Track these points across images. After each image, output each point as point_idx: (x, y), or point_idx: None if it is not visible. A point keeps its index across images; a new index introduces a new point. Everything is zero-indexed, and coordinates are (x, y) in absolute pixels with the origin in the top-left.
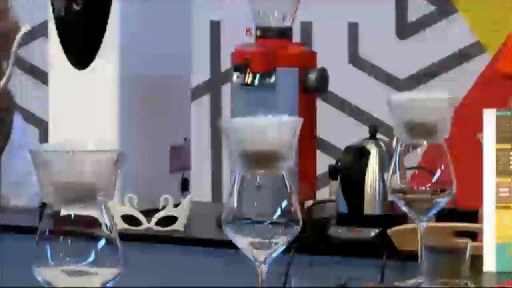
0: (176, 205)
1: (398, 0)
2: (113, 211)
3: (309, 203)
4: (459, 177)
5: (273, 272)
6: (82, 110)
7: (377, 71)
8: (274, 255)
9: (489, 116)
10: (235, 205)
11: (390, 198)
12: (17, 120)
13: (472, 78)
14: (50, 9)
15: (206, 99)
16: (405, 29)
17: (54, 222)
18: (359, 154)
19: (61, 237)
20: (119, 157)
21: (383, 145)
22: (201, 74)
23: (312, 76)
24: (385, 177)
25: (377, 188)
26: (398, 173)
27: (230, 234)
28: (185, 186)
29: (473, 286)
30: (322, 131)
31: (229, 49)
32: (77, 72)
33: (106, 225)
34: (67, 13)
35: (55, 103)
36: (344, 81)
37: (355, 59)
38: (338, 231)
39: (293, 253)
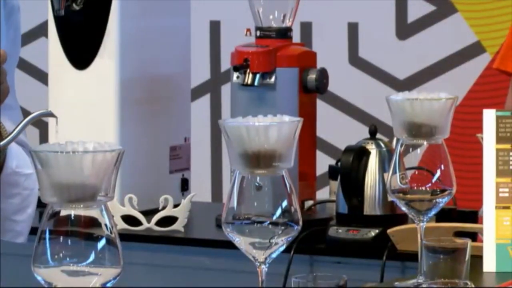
0: (176, 205)
1: (398, 0)
2: (113, 211)
3: (309, 203)
4: (459, 177)
5: (273, 272)
6: (82, 110)
7: (377, 71)
8: (274, 255)
9: (489, 116)
10: (235, 205)
11: (390, 198)
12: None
13: (472, 78)
14: (50, 9)
15: (206, 99)
16: (405, 29)
17: (54, 222)
18: (359, 154)
19: (61, 237)
20: (119, 157)
21: (383, 145)
22: (201, 74)
23: (312, 76)
24: (385, 177)
25: (377, 188)
26: (398, 174)
27: (230, 234)
28: (185, 186)
29: (473, 286)
30: (322, 131)
31: (229, 49)
32: (77, 72)
33: (106, 225)
34: (67, 14)
35: (55, 103)
36: (344, 81)
37: (355, 59)
38: (338, 232)
39: (293, 253)
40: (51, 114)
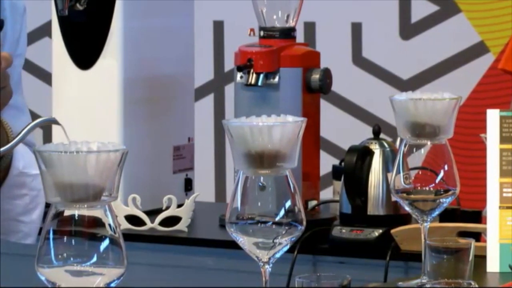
0: (179, 205)
1: (402, 0)
2: (116, 211)
3: (312, 203)
4: (462, 177)
5: (277, 272)
6: (86, 110)
7: (380, 71)
8: (278, 255)
9: (493, 116)
10: (239, 205)
11: (394, 198)
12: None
13: (475, 78)
14: (54, 9)
15: (209, 99)
16: (409, 29)
17: (58, 222)
18: (363, 154)
19: (65, 237)
20: (123, 157)
21: (386, 145)
22: (204, 74)
23: (316, 76)
24: (389, 177)
25: (381, 188)
26: (401, 174)
27: (234, 234)
28: (188, 186)
29: (477, 286)
30: (326, 131)
31: (233, 49)
32: (81, 72)
33: (110, 225)
34: (70, 13)
35: (58, 103)
36: (348, 81)
37: (358, 59)
38: (341, 231)
39: (297, 253)
40: (55, 122)
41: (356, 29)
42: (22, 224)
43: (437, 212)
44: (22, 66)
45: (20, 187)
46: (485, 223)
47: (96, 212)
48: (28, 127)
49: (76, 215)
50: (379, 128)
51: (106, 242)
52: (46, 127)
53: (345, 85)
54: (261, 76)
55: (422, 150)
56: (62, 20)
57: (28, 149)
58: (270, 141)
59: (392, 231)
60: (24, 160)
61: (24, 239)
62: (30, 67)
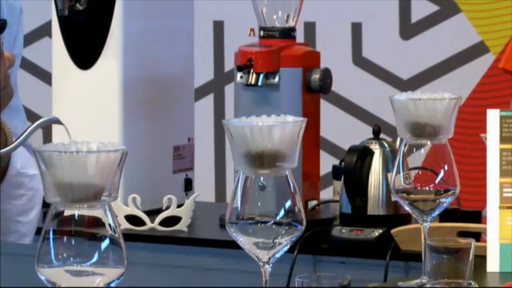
0: (179, 205)
1: (402, 0)
2: (117, 211)
3: (312, 203)
4: (462, 177)
5: (277, 272)
6: (86, 110)
7: (380, 71)
8: (278, 255)
9: (493, 116)
10: (239, 205)
11: (394, 198)
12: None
13: (475, 78)
14: (54, 9)
15: (209, 99)
16: (409, 29)
17: (58, 222)
18: (363, 154)
19: (65, 237)
20: (123, 157)
21: (386, 145)
22: (204, 74)
23: (316, 76)
24: (389, 177)
25: (381, 188)
26: (401, 174)
27: (234, 234)
28: (188, 186)
29: (477, 286)
30: (326, 131)
31: (233, 49)
32: (81, 72)
33: (110, 225)
34: (70, 13)
35: (58, 103)
36: (348, 81)
37: (358, 59)
38: (341, 231)
39: (297, 253)
40: (58, 121)
41: (356, 29)
42: (19, 224)
43: (437, 212)
44: (18, 66)
45: (18, 187)
46: (485, 223)
47: (96, 212)
48: (32, 127)
49: (76, 215)
50: (379, 128)
51: (106, 242)
52: (46, 127)
53: (345, 85)
54: (261, 76)
55: (422, 150)
56: (62, 20)
57: (25, 149)
58: (270, 141)
59: (392, 231)
60: (22, 160)
61: (21, 239)
62: (30, 67)
